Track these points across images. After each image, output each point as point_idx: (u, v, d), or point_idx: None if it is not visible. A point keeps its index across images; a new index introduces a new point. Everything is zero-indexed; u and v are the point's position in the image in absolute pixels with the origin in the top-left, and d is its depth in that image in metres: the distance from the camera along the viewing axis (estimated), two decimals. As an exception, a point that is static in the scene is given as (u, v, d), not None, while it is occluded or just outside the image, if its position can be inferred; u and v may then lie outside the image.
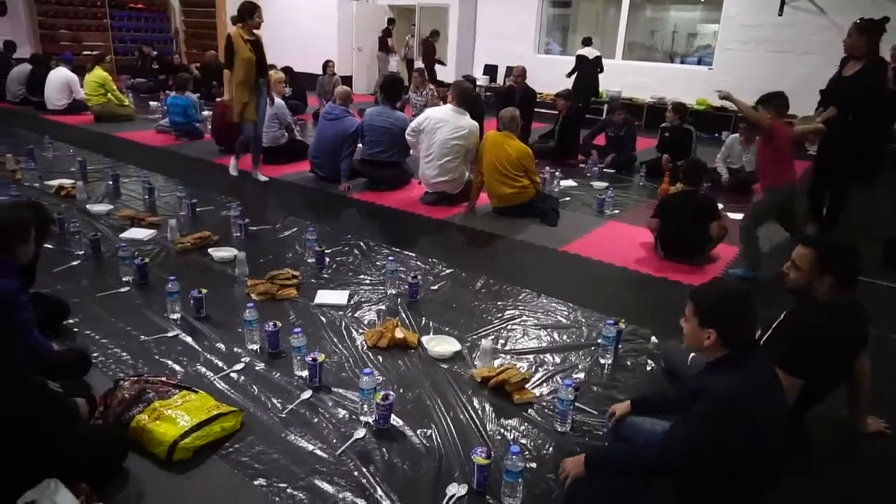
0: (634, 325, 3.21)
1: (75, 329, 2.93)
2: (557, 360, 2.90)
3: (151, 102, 9.98)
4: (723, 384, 1.61)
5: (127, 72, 12.57)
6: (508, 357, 2.90)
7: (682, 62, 11.41)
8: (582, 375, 2.77)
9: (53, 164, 6.05)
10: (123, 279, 3.46)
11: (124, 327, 2.97)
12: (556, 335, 3.14)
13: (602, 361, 2.88)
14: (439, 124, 5.01)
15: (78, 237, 3.83)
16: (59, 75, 8.96)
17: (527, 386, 2.61)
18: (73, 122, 8.44)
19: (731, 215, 4.94)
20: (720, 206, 4.42)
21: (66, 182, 5.23)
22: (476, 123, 5.17)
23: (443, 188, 5.16)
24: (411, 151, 5.50)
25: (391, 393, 2.36)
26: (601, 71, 9.93)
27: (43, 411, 1.80)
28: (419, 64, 11.80)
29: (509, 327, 3.19)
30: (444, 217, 4.96)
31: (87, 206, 4.72)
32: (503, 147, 4.84)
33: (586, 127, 7.68)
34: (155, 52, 12.50)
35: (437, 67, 12.34)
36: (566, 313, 3.39)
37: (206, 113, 8.39)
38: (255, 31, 5.39)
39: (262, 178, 5.81)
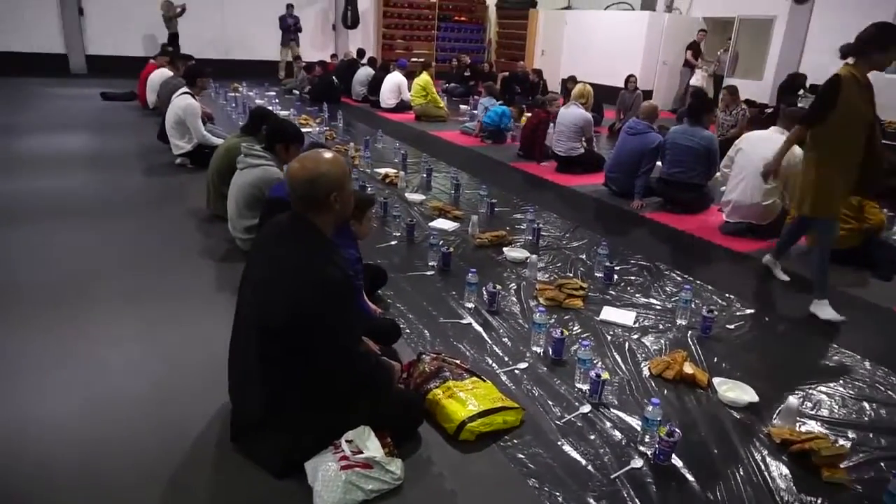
0: None
1: (389, 300, 3.35)
2: (884, 443, 2.41)
3: (462, 106, 10.97)
4: None
5: (442, 77, 14.00)
6: (816, 423, 2.51)
7: None
8: (919, 470, 2.26)
9: (382, 154, 7.03)
10: (429, 263, 3.85)
11: (426, 307, 3.30)
12: (884, 413, 2.62)
13: (951, 460, 2.32)
14: (759, 143, 4.57)
15: (398, 220, 4.37)
16: (393, 78, 10.39)
17: (841, 464, 2.22)
18: (399, 119, 9.71)
19: None
20: None
21: (391, 171, 6.04)
22: (801, 150, 4.57)
23: (750, 216, 4.67)
24: (718, 175, 5.10)
25: (677, 430, 2.21)
26: None
27: (369, 372, 2.09)
28: (730, 81, 10.91)
29: (820, 389, 2.75)
30: (747, 250, 4.49)
31: (406, 194, 5.37)
32: (833, 181, 4.18)
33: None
34: (468, 60, 13.68)
35: (747, 83, 11.27)
36: (901, 389, 2.81)
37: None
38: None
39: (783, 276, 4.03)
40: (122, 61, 11.82)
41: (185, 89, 5.79)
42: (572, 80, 9.81)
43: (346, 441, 1.98)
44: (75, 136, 6.97)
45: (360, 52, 12.67)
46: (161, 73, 7.83)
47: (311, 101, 10.61)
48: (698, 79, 11.94)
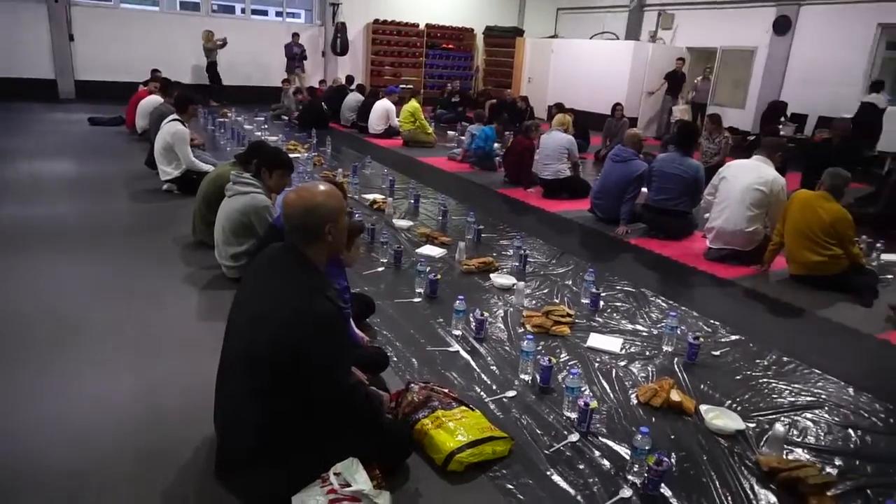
0: None
1: (376, 328, 3.34)
2: (870, 470, 2.43)
3: (450, 132, 11.07)
4: None
5: (431, 104, 14.14)
6: (803, 451, 2.52)
7: None
8: (905, 498, 2.27)
9: (370, 180, 7.05)
10: (417, 290, 3.84)
11: (414, 334, 3.30)
12: (869, 439, 2.64)
13: (936, 487, 2.33)
14: (742, 171, 4.68)
15: (385, 247, 4.38)
16: (382, 105, 10.48)
17: (829, 492, 2.23)
18: (387, 144, 9.78)
19: None
20: None
21: (379, 197, 6.06)
22: (783, 179, 4.67)
23: (734, 243, 4.74)
24: (702, 202, 5.18)
25: (666, 458, 2.21)
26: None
27: (358, 404, 2.07)
28: (713, 109, 11.16)
29: (806, 416, 2.77)
30: (731, 277, 4.54)
31: (393, 221, 5.39)
32: (815, 209, 4.26)
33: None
34: (458, 87, 13.83)
35: (730, 111, 11.56)
36: (884, 416, 2.83)
37: (496, 146, 8.97)
38: None
39: None
40: (111, 87, 11.85)
41: (174, 116, 5.81)
42: (558, 107, 9.97)
43: (335, 474, 1.95)
44: (62, 161, 6.93)
45: (349, 79, 12.79)
46: (152, 100, 7.83)
47: (300, 127, 10.66)
48: (676, 115, 12.16)
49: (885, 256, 5.22)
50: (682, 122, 7.59)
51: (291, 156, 7.14)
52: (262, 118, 11.16)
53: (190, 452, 2.23)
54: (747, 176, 4.67)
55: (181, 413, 2.46)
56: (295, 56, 13.62)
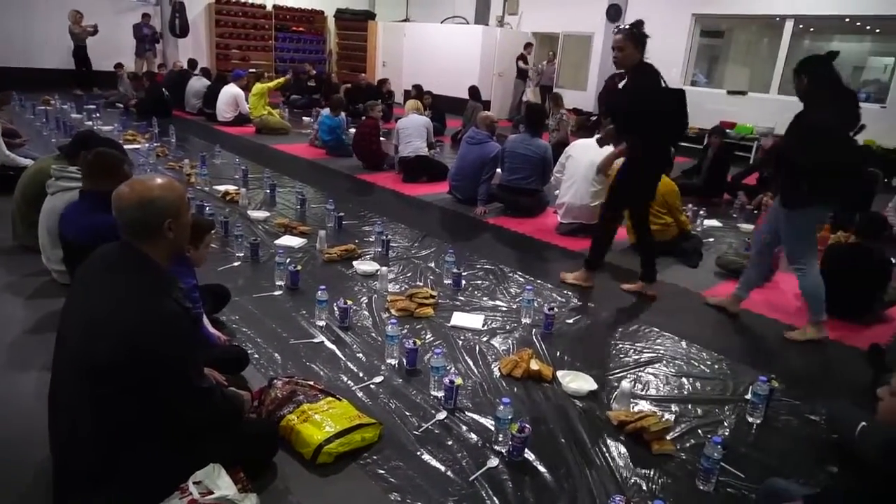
0: (786, 383, 2.97)
1: (235, 325, 3.18)
2: (700, 412, 2.73)
3: (305, 118, 10.74)
4: None
5: (285, 89, 13.57)
6: (647, 403, 2.78)
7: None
8: (727, 433, 2.58)
9: (221, 170, 6.67)
10: (277, 283, 3.71)
11: (276, 329, 3.18)
12: (699, 385, 2.96)
13: (750, 420, 2.68)
14: (586, 150, 5.02)
15: (240, 240, 4.17)
16: (230, 90, 9.91)
17: (667, 436, 2.48)
18: (238, 132, 9.29)
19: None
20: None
21: (231, 188, 5.75)
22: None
23: (581, 217, 5.08)
24: (552, 180, 5.49)
25: (527, 425, 2.33)
26: None
27: (215, 408, 1.95)
28: (558, 91, 11.82)
29: (648, 371, 3.06)
30: (581, 249, 4.85)
31: (248, 212, 5.14)
32: (647, 182, 4.67)
33: (734, 164, 7.33)
34: (313, 72, 13.40)
35: (573, 93, 12.39)
36: (710, 363, 3.20)
37: (351, 131, 8.86)
38: None
39: None
40: None
41: (-21, 104, 5.09)
42: (416, 89, 10.13)
43: (194, 483, 1.83)
44: None
45: (192, 63, 11.94)
46: (-52, 86, 6.78)
47: (139, 116, 9.80)
48: (528, 95, 12.82)
49: (707, 222, 5.87)
50: (531, 104, 7.99)
51: (130, 147, 6.58)
52: (94, 106, 10.10)
53: (28, 479, 2.00)
54: (590, 154, 5.00)
55: (11, 438, 2.19)
56: (145, 38, 12.58)
